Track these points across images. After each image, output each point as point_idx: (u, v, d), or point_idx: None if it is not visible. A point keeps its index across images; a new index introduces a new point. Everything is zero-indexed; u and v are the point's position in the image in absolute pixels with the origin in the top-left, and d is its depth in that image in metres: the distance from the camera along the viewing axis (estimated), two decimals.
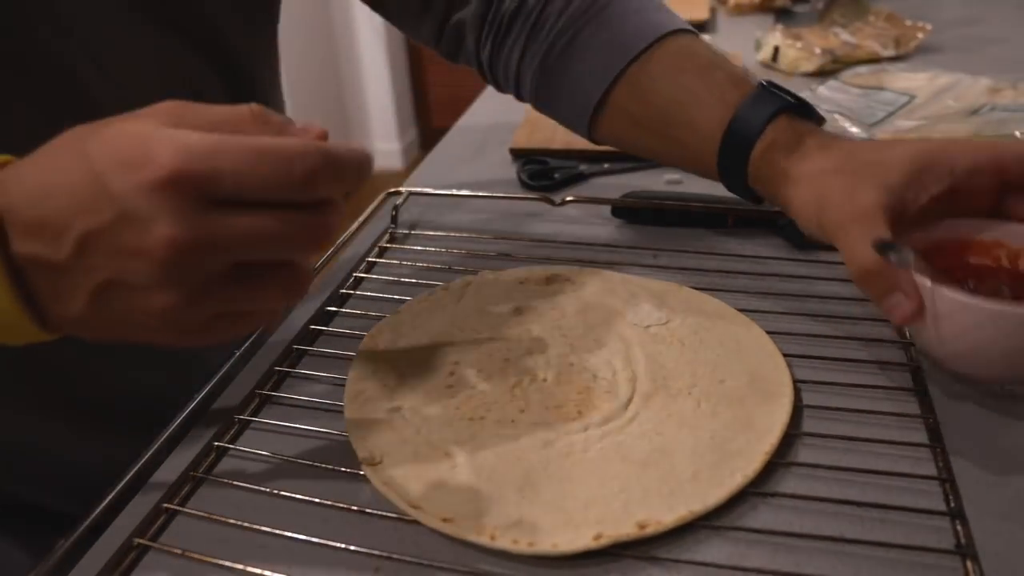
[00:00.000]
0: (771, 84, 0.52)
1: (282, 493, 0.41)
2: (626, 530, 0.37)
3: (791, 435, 0.42)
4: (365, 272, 0.60)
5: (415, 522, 0.39)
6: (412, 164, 3.16)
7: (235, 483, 0.42)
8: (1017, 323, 0.40)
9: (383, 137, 3.20)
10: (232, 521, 0.39)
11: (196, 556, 0.38)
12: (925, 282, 0.41)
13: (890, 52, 1.10)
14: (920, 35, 1.14)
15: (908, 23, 1.18)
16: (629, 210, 0.66)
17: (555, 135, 0.85)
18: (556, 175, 0.76)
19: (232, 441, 0.45)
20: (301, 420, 0.46)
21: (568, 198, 0.67)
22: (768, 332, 0.50)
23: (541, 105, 0.63)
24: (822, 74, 1.03)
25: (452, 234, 0.66)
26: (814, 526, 0.38)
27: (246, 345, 0.51)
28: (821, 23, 1.23)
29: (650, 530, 0.37)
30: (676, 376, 0.47)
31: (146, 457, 0.42)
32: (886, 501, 0.38)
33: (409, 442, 0.43)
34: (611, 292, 0.55)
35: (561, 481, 0.40)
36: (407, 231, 0.66)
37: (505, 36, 0.61)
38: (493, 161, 0.82)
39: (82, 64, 0.47)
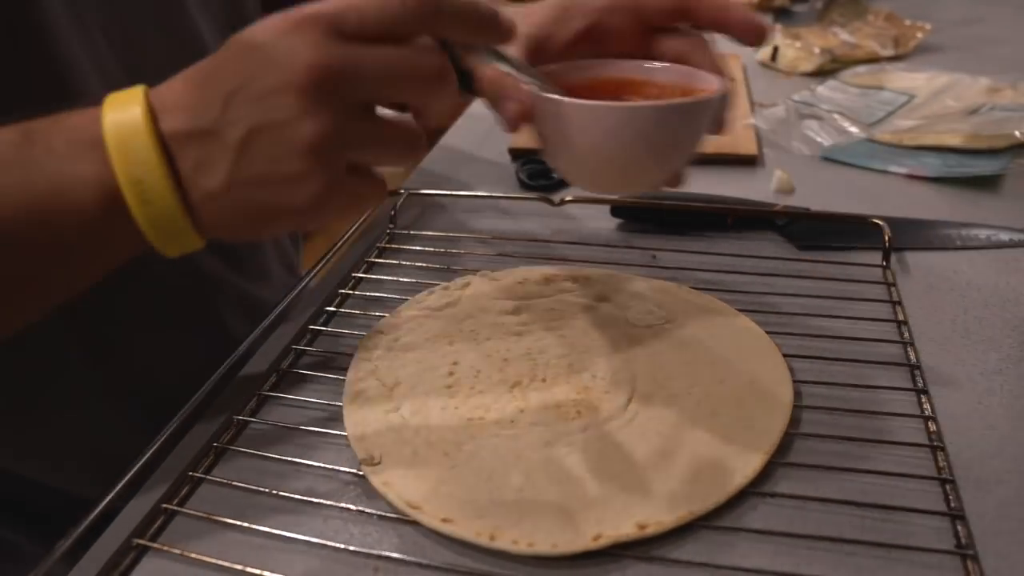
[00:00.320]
0: None
1: (281, 493, 0.41)
2: (626, 530, 0.37)
3: (791, 435, 0.42)
4: (364, 273, 0.60)
5: (414, 522, 0.38)
6: (411, 164, 3.14)
7: (234, 483, 0.41)
8: (625, 117, 0.40)
9: None
10: (231, 521, 0.39)
11: (195, 556, 0.37)
12: (538, 92, 0.41)
13: (889, 52, 1.10)
14: (919, 35, 1.14)
15: (907, 23, 1.18)
16: (628, 210, 0.66)
17: None
18: (555, 175, 0.76)
19: (231, 441, 0.45)
20: (300, 420, 0.46)
21: (567, 198, 0.67)
22: (767, 331, 0.50)
23: None
24: (821, 74, 1.03)
25: (451, 234, 0.66)
26: (814, 526, 0.38)
27: (245, 344, 0.51)
28: (820, 23, 1.23)
29: (650, 530, 0.37)
30: (676, 376, 0.47)
31: (146, 457, 0.42)
32: (886, 501, 0.38)
33: (408, 442, 0.43)
34: (611, 292, 0.55)
35: (560, 481, 0.40)
36: (406, 231, 0.66)
37: None
38: (492, 161, 0.82)
39: (80, 69, 0.47)
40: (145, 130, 0.33)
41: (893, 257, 0.59)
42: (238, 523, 0.39)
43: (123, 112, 0.34)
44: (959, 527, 0.37)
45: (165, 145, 0.34)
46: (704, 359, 0.48)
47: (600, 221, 0.67)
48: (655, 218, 0.66)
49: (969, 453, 0.42)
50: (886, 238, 0.58)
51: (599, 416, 0.44)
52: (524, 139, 0.84)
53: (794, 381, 0.46)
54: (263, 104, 0.33)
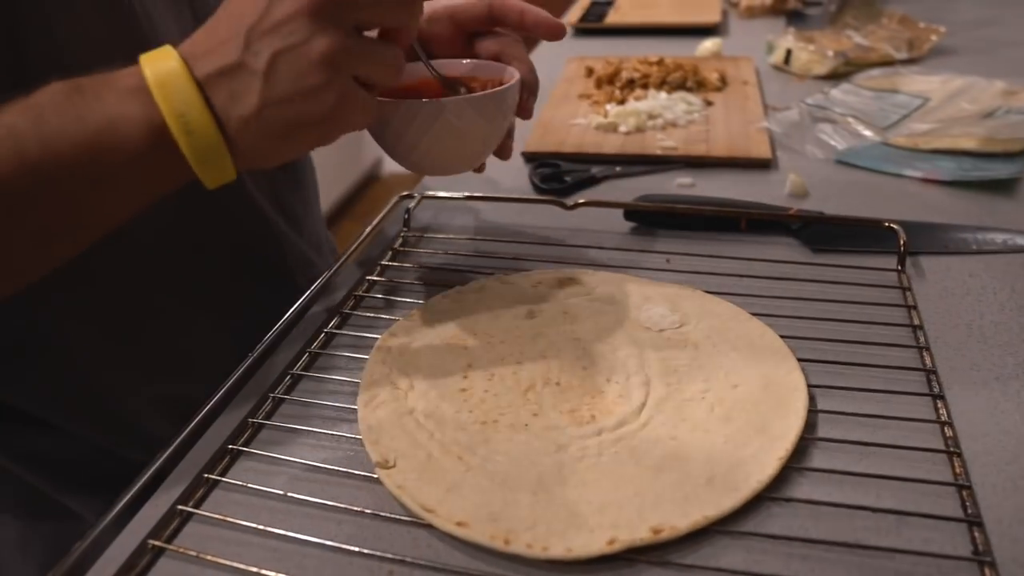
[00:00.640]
0: None
1: (295, 496, 0.41)
2: (640, 535, 0.37)
3: (806, 440, 0.42)
4: (378, 276, 0.61)
5: (428, 526, 0.39)
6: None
7: (249, 485, 0.42)
8: (419, 111, 0.48)
9: None
10: (246, 524, 0.39)
11: (210, 558, 0.38)
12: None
13: (903, 55, 1.09)
14: (934, 37, 1.13)
15: (922, 25, 1.18)
16: (641, 213, 0.66)
17: (567, 138, 0.85)
18: (568, 178, 0.76)
19: (246, 444, 0.45)
20: (314, 423, 0.46)
21: (580, 201, 0.67)
22: (782, 336, 0.50)
23: None
24: (835, 77, 1.03)
25: (464, 237, 0.66)
26: (829, 532, 0.38)
27: (260, 349, 0.51)
28: (833, 26, 1.22)
29: (664, 535, 0.37)
30: (690, 380, 0.47)
31: (161, 460, 0.42)
32: (902, 507, 0.38)
33: (422, 446, 0.43)
34: (624, 295, 0.55)
35: (575, 485, 0.40)
36: (420, 234, 0.66)
37: None
38: (505, 164, 0.82)
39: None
40: (183, 73, 0.38)
41: (908, 261, 0.58)
42: (253, 525, 0.39)
43: (161, 64, 0.38)
44: (976, 533, 0.37)
45: (200, 86, 0.38)
46: (718, 363, 0.48)
47: (613, 224, 0.67)
48: (668, 221, 0.66)
49: (986, 459, 0.41)
50: (901, 242, 0.58)
51: (613, 420, 0.44)
52: (536, 142, 0.84)
53: (809, 386, 0.45)
54: (279, 31, 0.38)
